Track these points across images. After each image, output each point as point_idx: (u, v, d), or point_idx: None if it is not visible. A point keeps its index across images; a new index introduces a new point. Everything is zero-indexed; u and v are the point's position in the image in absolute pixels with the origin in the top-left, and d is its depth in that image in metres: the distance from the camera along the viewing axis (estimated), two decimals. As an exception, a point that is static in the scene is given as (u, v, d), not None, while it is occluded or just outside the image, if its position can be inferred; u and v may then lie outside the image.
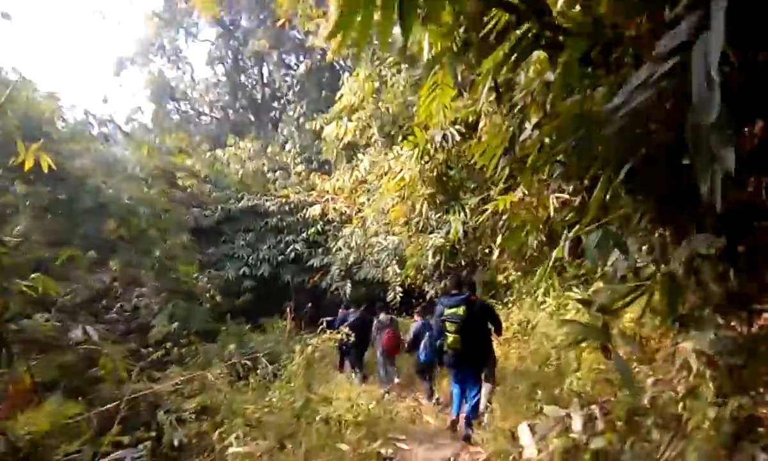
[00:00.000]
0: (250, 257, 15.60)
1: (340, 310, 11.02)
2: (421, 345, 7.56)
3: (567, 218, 3.67)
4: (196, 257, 15.15)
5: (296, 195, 16.73)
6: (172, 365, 9.14)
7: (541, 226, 4.48)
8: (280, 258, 15.65)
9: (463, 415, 5.27)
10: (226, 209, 16.15)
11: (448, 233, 9.45)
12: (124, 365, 4.03)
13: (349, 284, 13.94)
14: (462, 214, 8.33)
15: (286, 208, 16.37)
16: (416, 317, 8.84)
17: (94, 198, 9.86)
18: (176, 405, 7.16)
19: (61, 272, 11.79)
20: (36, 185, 9.85)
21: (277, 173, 18.96)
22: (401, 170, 7.00)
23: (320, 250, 15.58)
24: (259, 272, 15.35)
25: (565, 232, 2.83)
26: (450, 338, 5.31)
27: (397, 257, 11.26)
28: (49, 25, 47.07)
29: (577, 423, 3.24)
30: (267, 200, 16.56)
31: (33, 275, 3.73)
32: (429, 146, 6.47)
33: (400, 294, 11.96)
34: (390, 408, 6.30)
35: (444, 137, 6.08)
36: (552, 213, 3.52)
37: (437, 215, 10.32)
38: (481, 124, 5.85)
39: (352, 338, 8.83)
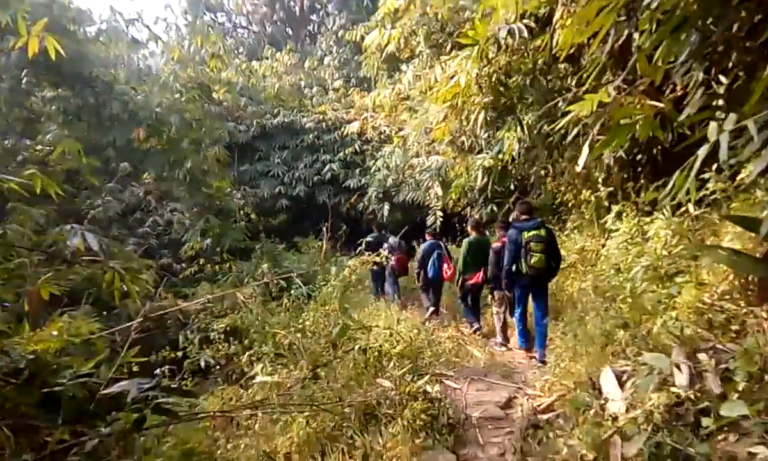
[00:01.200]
0: (286, 176, 15.04)
1: (375, 234, 10.42)
2: (429, 263, 8.13)
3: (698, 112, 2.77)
4: (230, 172, 14.75)
5: (334, 112, 15.88)
6: (203, 282, 8.85)
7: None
8: (315, 178, 15.03)
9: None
10: (261, 125, 15.48)
11: (499, 152, 8.56)
12: (137, 280, 3.52)
13: (386, 207, 13.28)
14: (518, 129, 7.39)
15: (323, 125, 15.58)
16: (427, 237, 8.92)
17: (123, 105, 9.30)
18: (204, 324, 6.84)
19: (93, 183, 11.62)
20: (62, 89, 9.33)
21: (315, 89, 18.02)
22: (455, 74, 6.06)
23: (357, 171, 14.87)
24: (294, 191, 14.82)
25: (715, 125, 2.00)
26: (535, 257, 5.50)
27: (440, 179, 10.44)
28: (83, -69, 45.50)
29: (682, 376, 2.54)
30: (304, 117, 15.77)
31: (29, 171, 3.13)
32: (490, 44, 5.49)
33: (441, 218, 11.23)
34: (433, 338, 5.75)
35: (510, 31, 5.09)
36: (666, 107, 2.65)
37: (486, 134, 9.38)
38: (556, 15, 4.84)
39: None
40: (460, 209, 10.80)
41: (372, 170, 13.87)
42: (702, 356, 2.61)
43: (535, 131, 7.75)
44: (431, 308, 8.14)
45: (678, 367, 2.51)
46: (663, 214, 4.55)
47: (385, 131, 14.31)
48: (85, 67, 9.02)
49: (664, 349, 2.83)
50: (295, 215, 14.87)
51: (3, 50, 7.96)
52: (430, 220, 11.66)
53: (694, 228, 4.00)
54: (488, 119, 9.32)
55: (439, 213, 11.32)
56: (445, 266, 7.99)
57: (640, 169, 5.92)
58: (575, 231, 7.02)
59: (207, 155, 9.92)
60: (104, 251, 2.85)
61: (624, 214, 5.36)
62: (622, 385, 2.83)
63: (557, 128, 4.49)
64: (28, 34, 4.14)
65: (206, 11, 27.96)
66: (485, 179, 9.02)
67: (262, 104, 16.47)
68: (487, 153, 8.98)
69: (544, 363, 5.16)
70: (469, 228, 7.50)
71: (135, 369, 4.13)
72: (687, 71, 2.85)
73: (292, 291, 8.23)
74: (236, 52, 21.33)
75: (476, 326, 7.08)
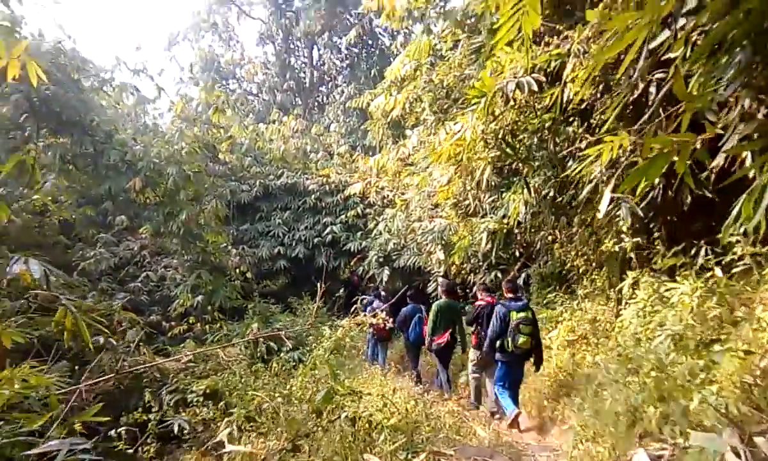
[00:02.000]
0: (286, 237, 14.77)
1: (375, 301, 9.94)
2: (411, 326, 8.53)
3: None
4: (227, 229, 14.48)
5: (337, 175, 15.81)
6: (188, 341, 8.34)
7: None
8: (316, 240, 14.74)
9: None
10: (264, 185, 15.37)
11: (504, 216, 8.27)
12: (89, 322, 3.12)
13: (386, 271, 12.88)
14: (525, 192, 7.12)
15: (326, 188, 15.48)
16: (408, 301, 9.02)
17: (122, 154, 9.14)
18: (184, 384, 6.29)
19: (89, 235, 11.32)
20: (62, 137, 9.21)
21: (320, 154, 18.11)
22: (460, 129, 5.85)
23: (359, 234, 14.59)
24: (293, 252, 14.50)
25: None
26: (522, 339, 5.72)
27: (442, 242, 10.10)
28: None
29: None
30: (307, 179, 15.70)
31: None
32: (497, 98, 5.30)
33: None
34: (431, 411, 5.20)
35: (518, 85, 4.90)
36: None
37: (490, 198, 9.15)
38: (568, 68, 4.66)
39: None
40: (463, 274, 10.38)
41: (373, 234, 13.58)
42: (759, 440, 2.14)
43: (541, 195, 7.50)
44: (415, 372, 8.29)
45: (737, 453, 2.03)
46: (688, 279, 4.15)
47: (387, 195, 14.17)
48: (87, 115, 8.93)
49: (706, 430, 2.36)
50: (294, 277, 14.47)
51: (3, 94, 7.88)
52: (431, 286, 11.25)
53: (724, 293, 3.59)
54: (493, 182, 9.17)
55: (441, 279, 10.90)
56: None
57: (654, 235, 5.57)
58: (586, 300, 6.57)
59: (204, 210, 9.66)
60: (48, 281, 2.49)
61: (642, 280, 4.95)
62: (659, 472, 2.35)
63: (570, 181, 4.15)
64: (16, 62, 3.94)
65: (218, 78, 28.81)
66: (489, 244, 8.67)
67: (267, 166, 16.47)
68: (491, 217, 8.69)
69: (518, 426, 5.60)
70: (440, 291, 8.06)
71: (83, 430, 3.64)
72: (725, 105, 2.55)
73: (282, 354, 7.72)
74: (244, 116, 21.76)
75: (445, 384, 7.43)
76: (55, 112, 8.23)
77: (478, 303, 6.93)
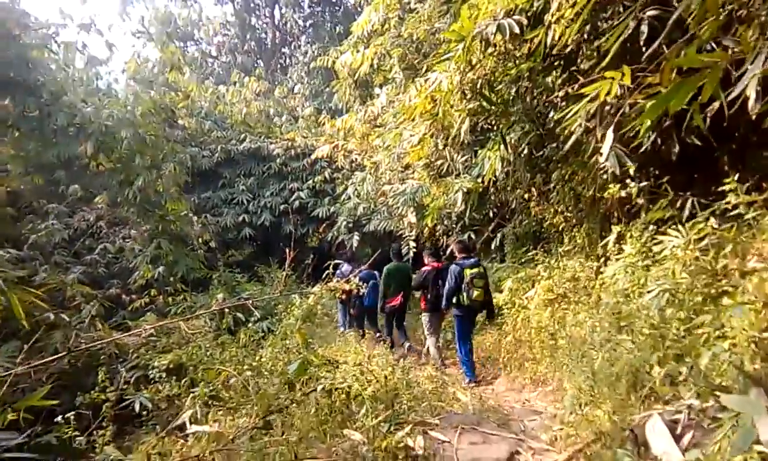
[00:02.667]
0: (251, 204, 14.19)
1: (345, 265, 9.56)
2: (367, 291, 8.30)
3: None
4: (188, 197, 13.81)
5: (303, 139, 15.21)
6: (149, 314, 7.87)
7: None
8: (282, 207, 14.22)
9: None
10: (226, 150, 14.65)
11: (479, 176, 7.98)
12: (34, 298, 2.69)
13: (356, 237, 12.52)
14: (502, 148, 6.82)
15: (292, 152, 14.89)
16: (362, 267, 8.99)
17: (70, 117, 8.40)
18: (145, 361, 5.87)
19: (40, 206, 10.54)
20: (1, 96, 8.39)
21: (284, 117, 17.41)
22: (435, 80, 5.46)
23: (327, 200, 14.12)
24: (259, 220, 13.96)
25: None
26: (476, 292, 6.21)
27: (414, 205, 9.79)
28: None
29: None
30: (271, 143, 15.05)
31: None
32: (476, 44, 4.92)
33: (414, 249, 10.54)
34: (411, 378, 4.96)
35: (499, 27, 4.53)
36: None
37: (464, 158, 8.85)
38: (553, 6, 4.30)
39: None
40: (437, 236, 10.13)
41: (341, 199, 13.17)
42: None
43: (518, 152, 7.23)
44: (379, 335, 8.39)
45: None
46: (678, 232, 3.94)
47: (356, 159, 13.70)
48: (30, 74, 8.14)
49: (724, 391, 2.14)
50: (261, 245, 13.99)
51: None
52: (403, 249, 10.97)
53: (722, 244, 3.38)
54: (467, 140, 8.85)
55: (412, 243, 10.65)
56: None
57: (638, 188, 5.37)
58: (564, 258, 6.38)
59: (162, 176, 9.04)
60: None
61: (627, 235, 4.75)
62: (677, 439, 2.12)
63: (549, 134, 3.85)
64: None
65: (176, 40, 27.33)
66: (463, 205, 8.39)
67: (228, 130, 15.72)
68: (465, 176, 8.40)
69: (477, 380, 6.07)
70: (391, 255, 8.55)
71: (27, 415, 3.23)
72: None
73: (250, 325, 7.34)
74: (203, 78, 20.72)
75: (406, 344, 7.84)
76: (-7, 69, 7.44)
77: (424, 268, 7.31)
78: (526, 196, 7.63)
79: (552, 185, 6.69)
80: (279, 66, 27.34)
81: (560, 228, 6.65)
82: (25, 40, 8.51)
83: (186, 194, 14.04)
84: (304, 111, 17.15)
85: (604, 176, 5.30)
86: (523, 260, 7.55)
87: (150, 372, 5.55)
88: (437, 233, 10.05)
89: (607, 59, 3.32)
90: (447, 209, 8.90)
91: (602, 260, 5.67)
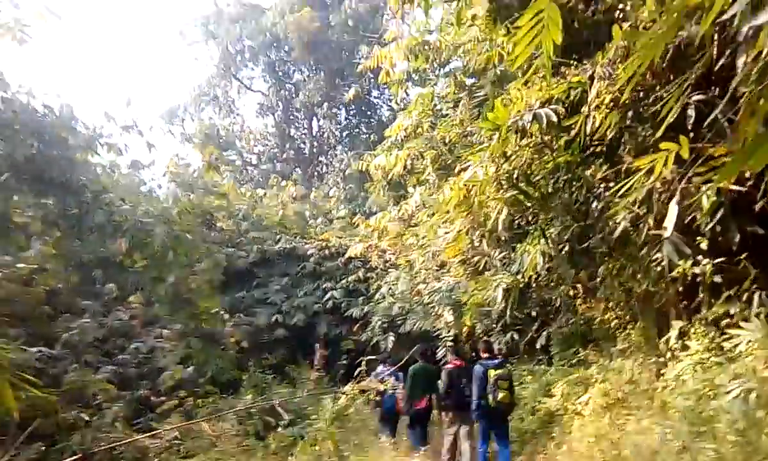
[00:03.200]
0: (284, 304, 14.05)
1: (380, 367, 9.08)
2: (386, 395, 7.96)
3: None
4: (222, 297, 13.81)
5: (337, 239, 15.33)
6: (172, 416, 7.54)
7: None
8: (316, 307, 14.03)
9: None
10: (262, 251, 14.84)
11: (518, 272, 7.68)
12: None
13: (391, 338, 12.12)
14: (542, 242, 6.59)
15: (326, 252, 14.95)
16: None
17: (108, 214, 8.65)
18: (167, 466, 5.48)
19: (75, 304, 10.65)
20: (45, 197, 8.75)
21: (319, 220, 17.74)
22: (470, 170, 5.41)
23: (361, 299, 13.90)
24: (292, 320, 13.75)
25: None
26: (501, 394, 6.07)
27: (451, 302, 9.47)
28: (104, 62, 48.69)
29: None
30: (306, 243, 15.20)
31: None
32: (511, 135, 4.88)
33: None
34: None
35: (535, 117, 4.49)
36: None
37: (502, 255, 8.62)
38: (591, 93, 4.26)
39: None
40: (477, 337, 9.66)
41: (376, 298, 12.92)
42: None
43: (558, 247, 6.98)
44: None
45: None
46: (752, 326, 3.54)
47: (390, 258, 13.63)
48: (73, 175, 8.52)
49: None
50: (293, 346, 13.63)
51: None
52: (440, 352, 10.47)
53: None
54: (504, 236, 8.68)
55: (450, 344, 10.17)
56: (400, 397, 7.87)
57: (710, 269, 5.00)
58: (618, 359, 5.88)
59: (195, 273, 9.06)
60: None
61: (692, 330, 4.33)
62: None
63: (592, 228, 3.63)
64: None
65: (218, 147, 28.93)
66: (503, 303, 8.03)
67: (264, 231, 16.02)
68: (504, 273, 8.11)
69: None
70: (417, 355, 8.10)
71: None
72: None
73: (280, 429, 6.91)
74: (242, 184, 21.63)
75: (422, 448, 7.12)
76: (40, 171, 7.82)
77: (448, 366, 7.12)
78: (571, 293, 7.26)
79: (599, 280, 6.33)
80: (316, 173, 28.44)
81: (612, 326, 6.20)
82: (71, 141, 9.02)
83: (221, 294, 14.13)
84: (339, 213, 17.45)
85: (658, 268, 4.96)
86: (573, 362, 7.02)
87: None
88: (476, 333, 9.60)
89: (661, 129, 3.15)
90: (486, 307, 8.54)
91: (663, 359, 5.18)
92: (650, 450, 4.16)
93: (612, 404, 5.52)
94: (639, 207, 4.10)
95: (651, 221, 4.07)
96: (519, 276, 7.58)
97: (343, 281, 14.26)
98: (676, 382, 4.29)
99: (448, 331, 10.28)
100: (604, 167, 5.56)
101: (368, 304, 13.49)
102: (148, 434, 5.14)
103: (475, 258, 9.00)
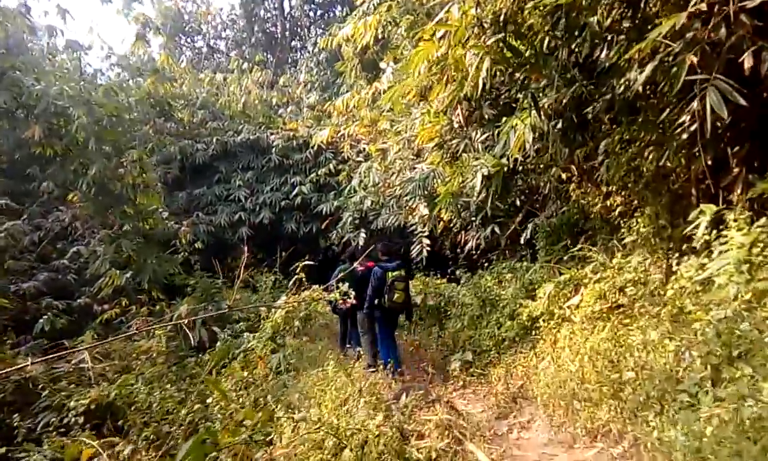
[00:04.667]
0: (248, 201, 12.80)
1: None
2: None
3: None
4: (180, 196, 12.55)
5: (306, 128, 13.78)
6: (86, 332, 6.54)
7: None
8: (283, 203, 12.79)
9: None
10: (222, 143, 13.29)
11: (503, 156, 6.40)
12: None
13: (363, 235, 11.04)
14: (533, 114, 5.27)
15: (293, 144, 13.46)
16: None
17: (15, 97, 7.10)
18: (59, 399, 4.47)
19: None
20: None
21: (289, 109, 16.01)
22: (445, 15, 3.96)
23: (332, 194, 12.65)
24: (257, 218, 12.57)
25: None
26: (397, 294, 6.14)
27: (425, 193, 8.28)
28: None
29: None
30: (272, 134, 13.65)
31: None
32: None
33: (428, 247, 9.00)
34: (409, 428, 3.47)
35: None
36: None
37: (484, 136, 7.30)
38: None
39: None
40: (453, 232, 8.61)
41: (346, 192, 11.68)
42: None
43: (552, 123, 5.68)
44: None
45: None
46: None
47: (364, 148, 12.23)
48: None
49: None
50: (260, 246, 12.55)
51: None
52: (415, 249, 9.44)
53: None
54: (487, 114, 7.42)
55: (426, 240, 9.12)
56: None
57: (732, 152, 3.78)
58: (618, 256, 4.77)
59: (126, 162, 7.63)
60: None
61: (732, 218, 3.15)
62: None
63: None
64: None
65: (183, 35, 26.36)
66: (484, 192, 6.83)
67: (227, 121, 14.39)
68: (485, 157, 6.84)
69: (401, 374, 6.02)
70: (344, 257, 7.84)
71: None
72: None
73: (219, 344, 5.93)
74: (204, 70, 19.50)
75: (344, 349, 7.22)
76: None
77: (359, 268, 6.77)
78: (563, 176, 6.06)
79: (600, 159, 5.10)
80: (289, 59, 26.08)
81: (612, 216, 5.05)
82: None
83: (177, 190, 12.81)
84: (309, 99, 15.72)
85: (684, 136, 3.70)
86: (562, 258, 5.95)
87: (65, 415, 4.14)
88: (453, 228, 8.52)
89: None
90: (464, 198, 7.37)
91: (677, 255, 4.08)
92: (664, 373, 3.14)
93: (609, 310, 4.50)
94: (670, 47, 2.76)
95: (692, 59, 2.75)
96: (503, 160, 6.33)
97: (313, 175, 12.91)
98: (704, 287, 3.19)
99: (423, 226, 9.18)
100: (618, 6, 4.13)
101: (339, 199, 12.28)
102: (44, 358, 4.09)
103: (454, 141, 7.69)
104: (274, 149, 13.26)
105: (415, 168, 8.68)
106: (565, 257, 5.61)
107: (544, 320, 5.24)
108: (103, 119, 7.50)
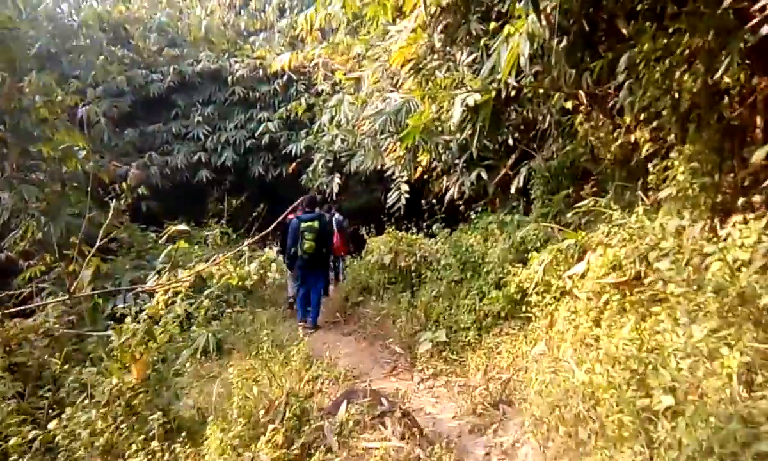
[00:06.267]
0: (209, 140, 11.35)
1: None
2: None
3: None
4: (131, 133, 11.08)
5: (276, 56, 12.09)
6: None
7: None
8: (248, 143, 11.36)
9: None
10: (179, 72, 11.68)
11: (491, 81, 4.99)
12: None
13: (336, 179, 9.72)
14: (530, 19, 3.88)
15: (260, 73, 11.86)
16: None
17: None
18: None
19: None
20: None
21: (261, 36, 14.20)
22: None
23: (304, 133, 11.19)
24: (219, 160, 11.18)
25: None
26: (306, 244, 6.59)
27: (400, 129, 6.88)
28: None
29: None
30: (236, 61, 12.02)
31: None
32: None
33: (407, 195, 7.71)
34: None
35: None
36: None
37: (470, 57, 5.88)
38: None
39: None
40: (434, 178, 7.30)
41: (316, 129, 10.23)
42: None
43: (557, 33, 4.29)
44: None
45: None
46: None
47: (340, 80, 10.65)
48: None
49: None
50: (222, 191, 11.20)
51: None
52: (392, 197, 8.14)
53: None
54: (475, 30, 6.04)
55: (405, 186, 7.82)
56: None
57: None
58: (641, 210, 3.49)
59: (29, 89, 6.14)
60: None
61: None
62: None
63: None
64: None
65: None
66: (468, 127, 5.49)
67: (187, 48, 12.67)
68: (470, 82, 5.44)
69: (317, 327, 6.59)
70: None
71: None
72: None
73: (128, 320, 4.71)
74: None
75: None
76: None
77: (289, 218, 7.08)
78: (568, 105, 4.71)
79: (620, 80, 3.74)
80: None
81: (635, 157, 3.75)
82: None
83: (127, 126, 11.33)
84: (280, 23, 13.88)
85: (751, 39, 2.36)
86: (564, 212, 4.67)
87: None
88: (434, 172, 7.20)
89: None
90: (446, 136, 6.02)
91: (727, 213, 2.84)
92: (723, 405, 1.95)
93: (626, 285, 3.29)
94: None
95: None
96: (493, 85, 4.96)
97: (282, 110, 11.40)
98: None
99: (401, 170, 7.85)
100: None
101: (308, 138, 10.84)
102: None
103: (434, 64, 6.27)
104: (240, 82, 11.69)
105: (387, 99, 7.23)
106: (569, 214, 4.32)
107: (537, 293, 4.03)
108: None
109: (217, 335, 4.78)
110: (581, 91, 4.62)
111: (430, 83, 5.95)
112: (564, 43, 4.54)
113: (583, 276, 3.73)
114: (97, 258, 6.75)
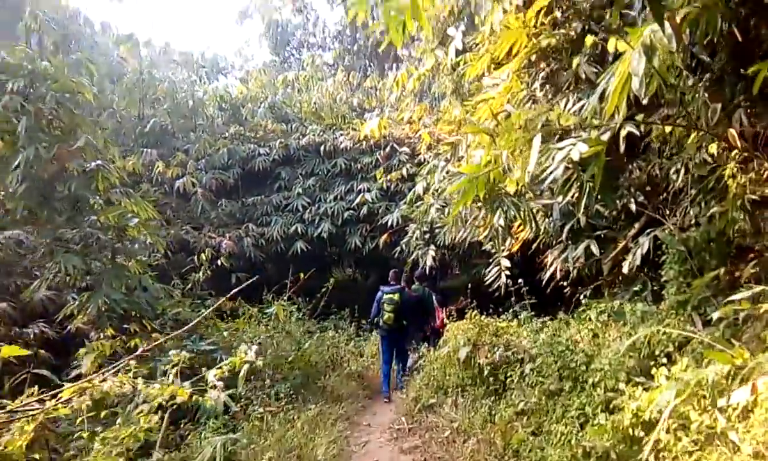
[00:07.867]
0: (307, 211, 11.03)
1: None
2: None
3: None
4: (231, 202, 11.13)
5: (382, 128, 11.72)
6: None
7: None
8: (347, 214, 10.85)
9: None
10: (285, 146, 11.75)
11: (602, 132, 3.72)
12: None
13: (431, 252, 8.68)
14: (649, 31, 2.71)
15: (363, 145, 11.50)
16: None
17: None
18: None
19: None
20: None
21: (375, 112, 14.08)
22: None
23: (403, 203, 10.42)
24: (316, 231, 10.74)
25: None
26: (386, 316, 7.02)
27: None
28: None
29: None
30: (340, 134, 11.83)
31: None
32: None
33: (507, 271, 6.38)
34: None
35: None
36: None
37: (579, 105, 4.70)
38: None
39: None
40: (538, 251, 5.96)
41: (409, 199, 9.38)
42: None
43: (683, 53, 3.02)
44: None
45: None
46: None
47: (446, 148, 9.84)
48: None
49: None
50: (319, 263, 10.65)
51: None
52: (491, 274, 6.85)
53: None
54: (584, 72, 4.98)
55: (505, 262, 6.51)
56: None
57: None
58: None
59: (85, 149, 5.88)
60: None
61: None
62: None
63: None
64: None
65: (291, 48, 26.14)
66: (574, 188, 4.21)
67: (294, 122, 12.89)
68: (577, 132, 4.20)
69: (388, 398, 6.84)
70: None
71: None
72: None
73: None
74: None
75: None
76: None
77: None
78: (713, 150, 3.29)
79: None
80: (395, 67, 24.47)
81: None
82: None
83: (230, 198, 11.47)
84: (391, 97, 13.66)
85: None
86: (716, 313, 3.13)
87: None
88: (533, 246, 5.86)
89: None
90: (542, 200, 4.78)
91: None
92: None
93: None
94: None
95: None
96: (605, 134, 3.74)
97: (381, 180, 10.80)
98: None
99: (502, 243, 6.59)
100: None
101: (402, 208, 10.05)
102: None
103: (529, 115, 5.15)
104: (341, 152, 11.45)
105: (472, 156, 6.15)
106: (717, 310, 2.80)
107: (668, 430, 2.56)
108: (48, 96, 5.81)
109: (229, 447, 3.75)
110: (732, 131, 3.20)
111: (518, 133, 4.80)
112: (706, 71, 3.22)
113: (747, 412, 2.25)
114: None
